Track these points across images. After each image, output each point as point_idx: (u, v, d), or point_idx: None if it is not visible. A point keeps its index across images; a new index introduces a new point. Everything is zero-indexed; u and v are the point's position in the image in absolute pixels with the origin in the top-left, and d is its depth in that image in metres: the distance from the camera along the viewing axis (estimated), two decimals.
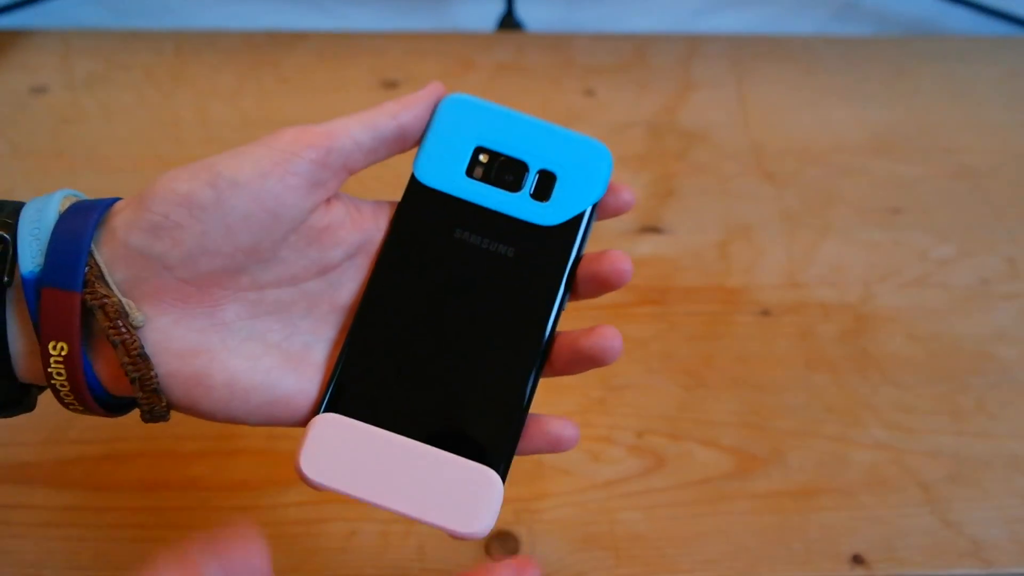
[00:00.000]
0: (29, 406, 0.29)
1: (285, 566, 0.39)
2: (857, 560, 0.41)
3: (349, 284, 0.30)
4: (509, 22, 0.73)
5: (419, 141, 0.30)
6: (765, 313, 0.51)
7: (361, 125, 0.28)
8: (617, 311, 0.50)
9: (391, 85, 0.62)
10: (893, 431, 0.45)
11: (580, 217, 0.30)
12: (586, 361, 0.29)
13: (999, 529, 0.42)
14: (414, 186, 0.30)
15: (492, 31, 0.73)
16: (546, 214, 0.30)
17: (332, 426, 0.28)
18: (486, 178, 0.30)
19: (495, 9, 0.73)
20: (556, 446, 0.29)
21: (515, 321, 0.29)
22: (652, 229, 0.55)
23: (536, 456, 0.43)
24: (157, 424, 0.44)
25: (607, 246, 0.53)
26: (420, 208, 0.30)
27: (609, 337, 0.28)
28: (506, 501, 0.42)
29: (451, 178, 0.30)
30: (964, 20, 0.76)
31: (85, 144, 0.57)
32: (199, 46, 0.65)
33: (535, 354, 0.29)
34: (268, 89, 0.62)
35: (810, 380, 0.47)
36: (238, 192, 0.26)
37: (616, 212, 0.31)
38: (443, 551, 0.40)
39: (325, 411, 0.28)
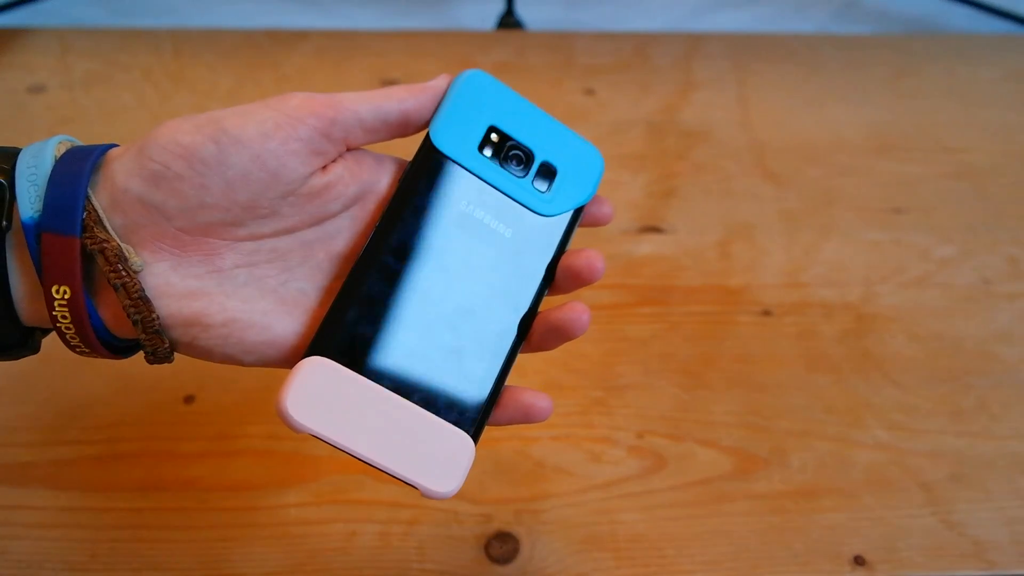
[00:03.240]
0: (34, 348, 0.30)
1: (285, 566, 0.39)
2: (858, 561, 0.40)
3: (345, 233, 0.30)
4: (509, 21, 0.73)
5: (433, 113, 0.31)
6: (766, 313, 0.50)
7: (367, 104, 0.29)
8: (617, 311, 0.50)
9: (391, 84, 0.62)
10: (894, 431, 0.45)
11: (574, 213, 0.32)
12: (556, 333, 0.30)
13: (1001, 530, 0.41)
14: (428, 148, 0.30)
15: (492, 30, 0.73)
16: (545, 204, 0.32)
17: (320, 369, 0.28)
18: (495, 157, 0.31)
19: (495, 8, 0.73)
20: (528, 416, 0.30)
21: (503, 297, 0.31)
22: (653, 229, 0.55)
23: (537, 457, 0.44)
24: (157, 424, 0.44)
25: (609, 244, 0.53)
26: (431, 171, 0.30)
27: (578, 310, 0.30)
28: (506, 501, 0.42)
29: (464, 149, 0.31)
30: (965, 19, 0.76)
31: None
32: (198, 45, 0.65)
33: (517, 330, 0.31)
34: (268, 89, 0.62)
35: (811, 380, 0.47)
36: (240, 150, 0.27)
37: (596, 222, 0.33)
38: (443, 551, 0.40)
39: (314, 354, 0.28)
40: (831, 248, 0.54)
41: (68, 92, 0.61)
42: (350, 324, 0.29)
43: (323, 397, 0.28)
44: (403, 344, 0.29)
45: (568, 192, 0.32)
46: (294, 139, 0.27)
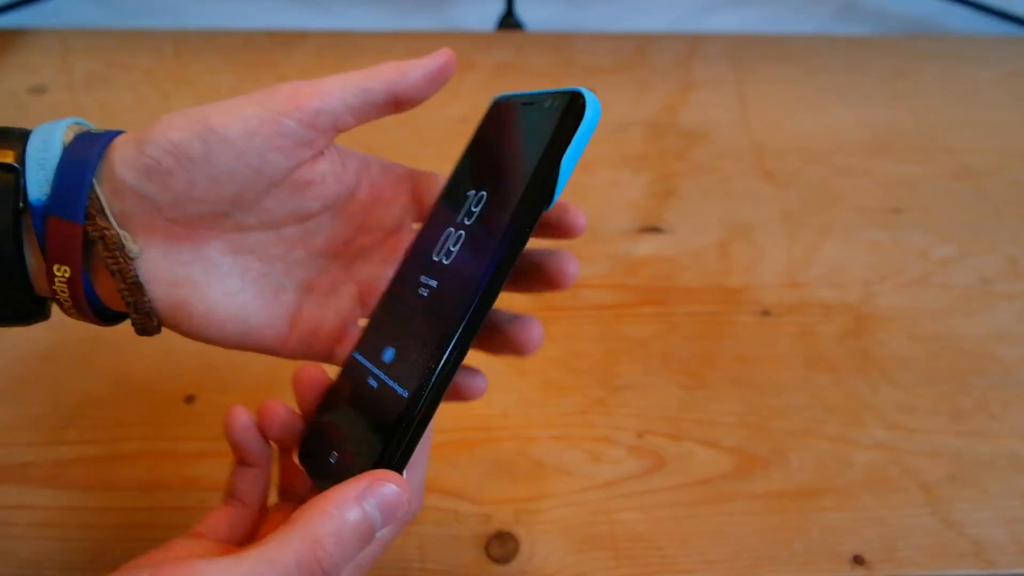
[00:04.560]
0: (46, 315, 0.31)
1: None
2: (858, 561, 0.40)
3: (324, 232, 0.31)
4: (509, 22, 0.73)
5: (423, 88, 0.29)
6: (765, 313, 0.51)
7: (354, 87, 0.29)
8: (617, 311, 0.50)
9: None
10: (894, 431, 0.45)
11: None
12: (509, 348, 0.30)
13: (1000, 529, 0.42)
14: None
15: (492, 31, 0.73)
16: None
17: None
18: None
19: (495, 9, 0.73)
20: (460, 394, 0.31)
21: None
22: (652, 229, 0.55)
23: (536, 457, 0.44)
24: (157, 424, 0.44)
25: (608, 247, 0.54)
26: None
27: (530, 329, 0.30)
28: (506, 501, 0.42)
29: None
30: (964, 19, 0.76)
31: None
32: (199, 46, 0.65)
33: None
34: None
35: (811, 380, 0.47)
36: (225, 148, 0.27)
37: (568, 234, 0.31)
38: (443, 551, 0.40)
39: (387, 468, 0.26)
40: (830, 248, 0.54)
41: (69, 92, 0.61)
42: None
43: None
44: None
45: None
46: (278, 135, 0.28)
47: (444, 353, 0.26)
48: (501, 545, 0.40)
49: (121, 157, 0.28)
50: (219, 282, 0.30)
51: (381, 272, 0.32)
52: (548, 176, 0.27)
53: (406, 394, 0.27)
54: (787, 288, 0.52)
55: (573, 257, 0.30)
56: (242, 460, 0.31)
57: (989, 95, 0.65)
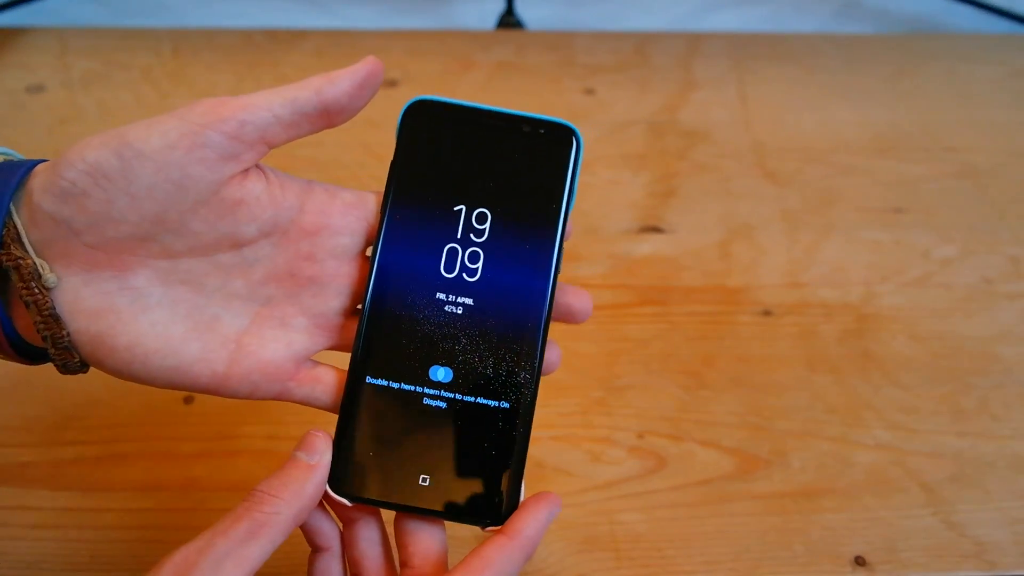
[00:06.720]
0: None
1: (285, 567, 0.39)
2: (859, 562, 0.40)
3: (264, 262, 0.29)
4: (509, 20, 0.73)
5: (356, 98, 0.29)
6: (766, 313, 0.50)
7: (281, 98, 0.28)
8: (617, 311, 0.50)
9: (391, 84, 0.62)
10: (895, 432, 0.45)
11: None
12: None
13: (1002, 530, 0.41)
14: None
15: (492, 30, 0.73)
16: None
17: None
18: None
19: (495, 7, 0.73)
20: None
21: None
22: (653, 229, 0.55)
23: (537, 457, 0.43)
24: (156, 425, 0.44)
25: (609, 247, 0.53)
26: None
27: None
28: None
29: None
30: (966, 18, 0.76)
31: None
32: (197, 45, 0.65)
33: None
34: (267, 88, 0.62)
35: (812, 380, 0.47)
36: (143, 162, 0.26)
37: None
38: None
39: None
40: (831, 248, 0.54)
41: (67, 92, 0.61)
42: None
43: None
44: None
45: None
46: (200, 146, 0.27)
47: (538, 363, 0.30)
48: None
49: (38, 183, 0.27)
50: (145, 313, 0.28)
51: (337, 305, 0.30)
52: (566, 205, 0.30)
53: (507, 405, 0.30)
54: (788, 288, 0.52)
55: (584, 292, 0.31)
56: (315, 546, 0.32)
57: (991, 94, 0.65)
